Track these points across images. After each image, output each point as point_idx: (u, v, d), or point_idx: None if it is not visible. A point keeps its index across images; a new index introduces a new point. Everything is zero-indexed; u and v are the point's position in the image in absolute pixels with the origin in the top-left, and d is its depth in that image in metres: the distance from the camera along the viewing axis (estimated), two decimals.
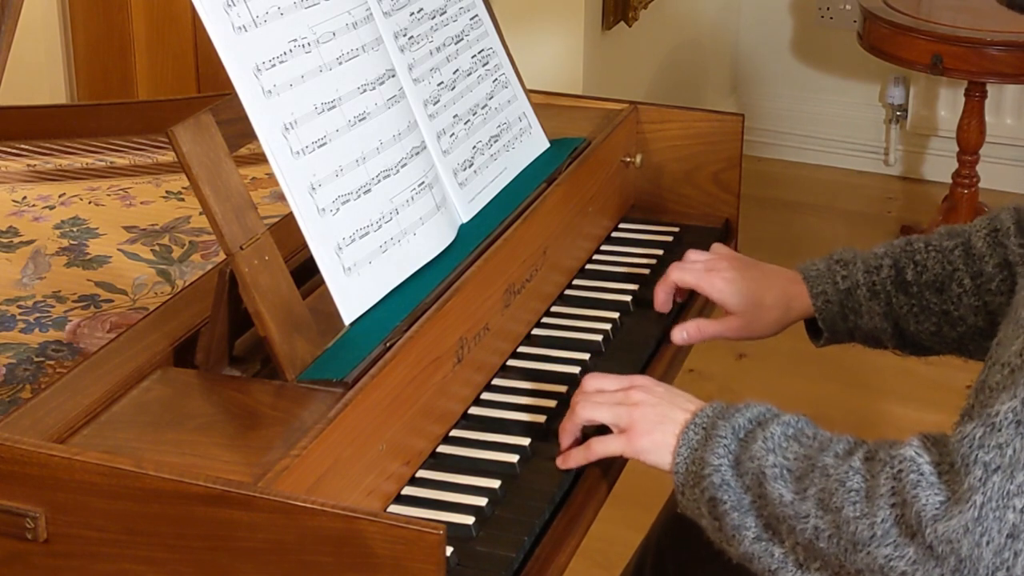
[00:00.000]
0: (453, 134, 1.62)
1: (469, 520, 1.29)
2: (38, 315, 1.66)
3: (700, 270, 1.67)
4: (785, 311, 1.65)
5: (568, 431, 1.40)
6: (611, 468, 1.43)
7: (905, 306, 1.60)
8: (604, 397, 1.40)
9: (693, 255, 1.69)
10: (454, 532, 1.25)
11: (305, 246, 1.36)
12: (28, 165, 2.07)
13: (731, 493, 1.29)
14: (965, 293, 1.57)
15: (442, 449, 1.41)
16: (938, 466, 1.19)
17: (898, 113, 4.27)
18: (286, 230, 1.39)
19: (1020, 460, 1.15)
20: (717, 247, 1.72)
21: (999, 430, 1.16)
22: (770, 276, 1.66)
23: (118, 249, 1.82)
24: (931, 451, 1.21)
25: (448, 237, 1.53)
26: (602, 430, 1.39)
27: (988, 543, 1.15)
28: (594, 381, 1.42)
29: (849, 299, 1.62)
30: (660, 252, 1.83)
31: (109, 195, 1.97)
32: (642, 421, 1.36)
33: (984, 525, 1.15)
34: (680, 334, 1.65)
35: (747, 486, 1.28)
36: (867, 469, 1.23)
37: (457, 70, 1.67)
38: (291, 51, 1.38)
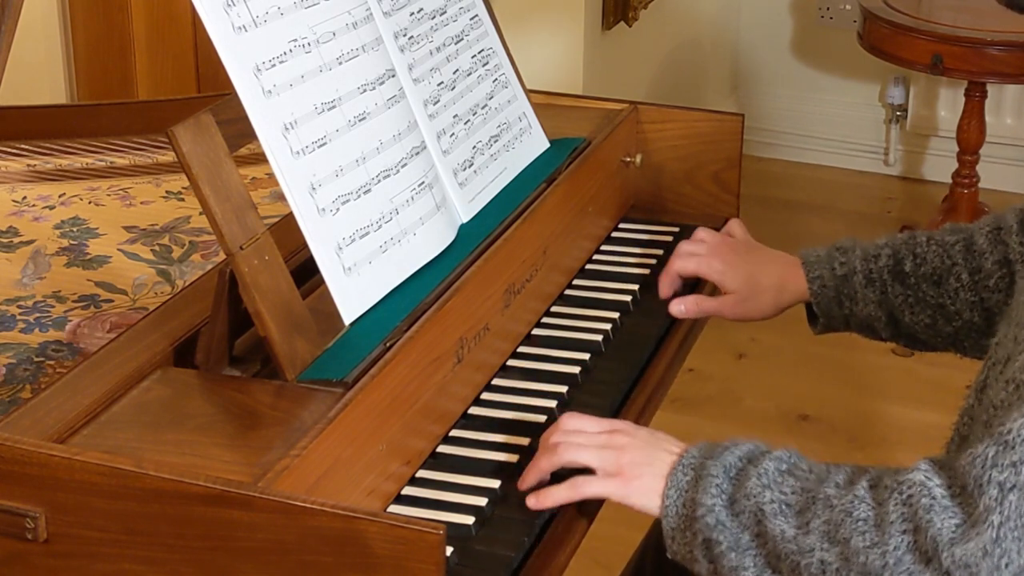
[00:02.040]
0: (453, 134, 1.62)
1: (469, 520, 1.29)
2: (38, 315, 1.66)
3: (700, 254, 1.70)
4: (779, 293, 1.66)
5: (544, 470, 1.35)
6: None
7: (900, 296, 1.61)
8: (586, 439, 1.35)
9: (701, 233, 1.73)
10: (454, 532, 1.25)
11: (305, 246, 1.36)
12: (28, 165, 2.07)
13: (727, 533, 1.25)
14: (962, 288, 1.58)
15: (442, 449, 1.41)
16: (949, 488, 1.17)
17: (898, 113, 4.27)
18: (286, 230, 1.39)
19: None
20: (732, 224, 1.75)
21: (1012, 448, 1.14)
22: (768, 259, 1.69)
23: (118, 249, 1.82)
24: (940, 474, 1.18)
25: (448, 237, 1.53)
26: (573, 472, 1.35)
27: (1007, 565, 1.13)
28: (573, 421, 1.37)
29: (845, 285, 1.63)
30: (660, 252, 1.83)
31: (109, 195, 1.97)
32: (630, 465, 1.32)
33: (1003, 546, 1.13)
34: (678, 307, 1.68)
35: (744, 525, 1.25)
36: (873, 497, 1.20)
37: (457, 70, 1.67)
38: (291, 51, 1.38)
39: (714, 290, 1.74)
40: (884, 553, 1.17)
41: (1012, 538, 1.12)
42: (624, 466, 1.32)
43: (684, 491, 1.28)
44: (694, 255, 1.70)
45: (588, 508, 1.38)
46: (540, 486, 1.34)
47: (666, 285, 1.71)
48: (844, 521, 1.20)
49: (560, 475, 1.35)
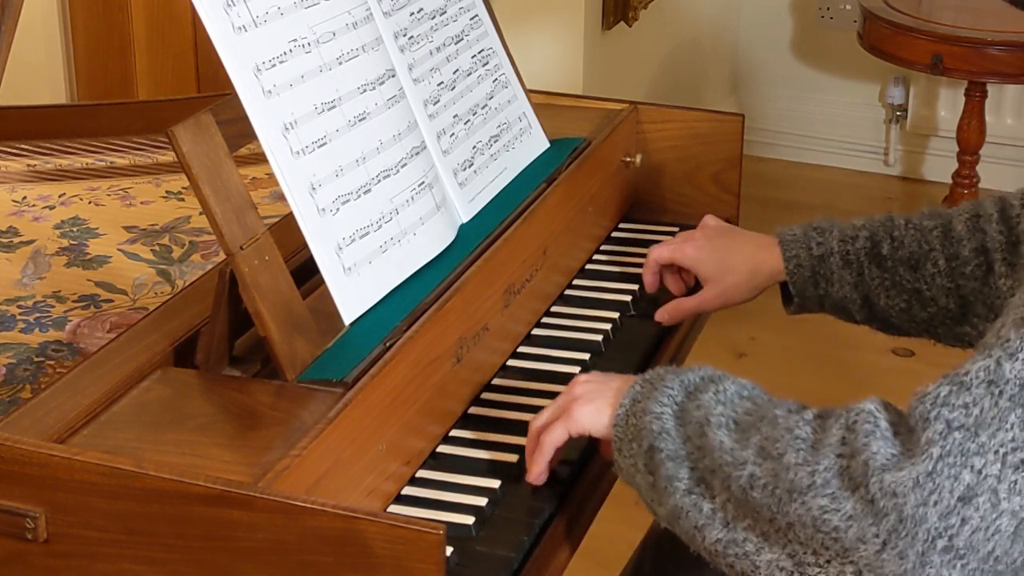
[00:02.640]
0: (453, 134, 1.62)
1: (469, 520, 1.29)
2: (38, 315, 1.66)
3: (674, 243, 1.71)
4: (753, 274, 1.66)
5: (528, 449, 1.37)
6: (610, 467, 1.43)
7: (876, 279, 1.60)
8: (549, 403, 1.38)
9: (679, 235, 1.74)
10: (454, 532, 1.25)
11: (305, 246, 1.36)
12: (28, 165, 2.07)
13: (669, 441, 1.23)
14: (939, 273, 1.57)
15: (442, 449, 1.41)
16: (895, 426, 1.14)
17: (898, 113, 4.27)
18: (286, 230, 1.39)
19: (987, 420, 1.09)
20: (706, 219, 1.75)
21: (968, 389, 1.11)
22: (741, 240, 1.69)
23: (118, 249, 1.82)
24: (891, 412, 1.16)
25: (448, 237, 1.53)
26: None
27: (936, 503, 1.08)
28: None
29: (821, 266, 1.62)
30: None
31: (109, 195, 1.97)
32: (581, 395, 1.34)
33: (936, 481, 1.08)
34: (662, 315, 1.69)
35: (687, 436, 1.23)
36: (819, 423, 1.18)
37: (457, 70, 1.67)
38: (291, 51, 1.38)
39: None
40: (813, 472, 1.14)
41: (947, 475, 1.08)
42: (576, 396, 1.34)
43: (637, 401, 1.28)
44: (668, 244, 1.71)
45: (588, 507, 1.38)
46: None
47: (649, 275, 1.71)
48: (783, 437, 1.17)
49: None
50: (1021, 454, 1.09)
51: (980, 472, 1.08)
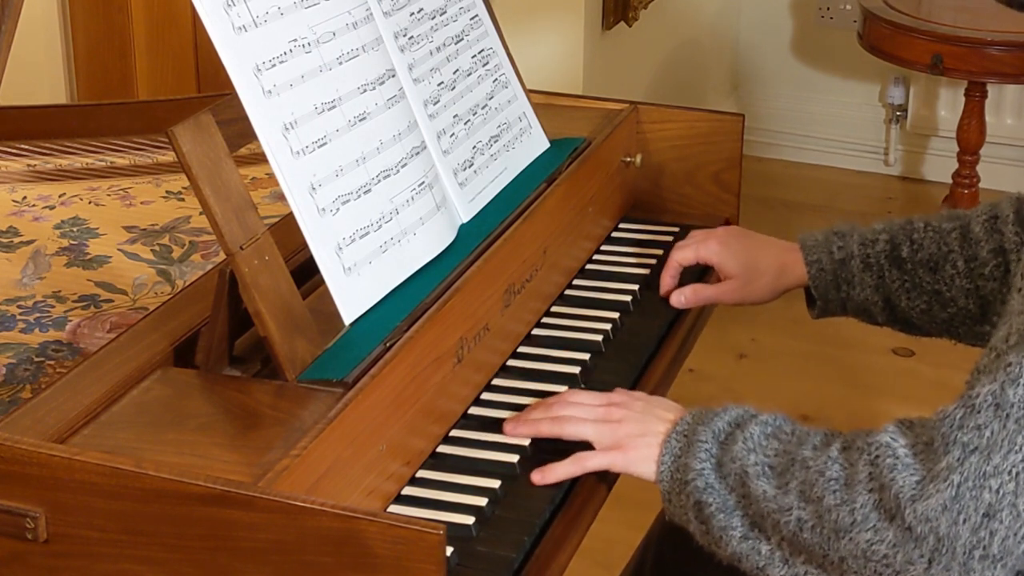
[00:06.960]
0: (453, 134, 1.62)
1: (469, 520, 1.29)
2: (38, 315, 1.66)
3: (697, 240, 1.73)
4: (778, 276, 1.69)
5: (542, 433, 1.41)
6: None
7: (897, 281, 1.63)
8: (586, 412, 1.41)
9: (694, 233, 1.76)
10: (454, 532, 1.25)
11: (305, 246, 1.36)
12: (28, 165, 2.07)
13: (715, 495, 1.30)
14: (958, 275, 1.60)
15: (442, 449, 1.41)
16: (913, 447, 1.22)
17: (898, 113, 4.27)
18: (286, 230, 1.39)
19: (997, 442, 1.17)
20: (720, 227, 1.77)
21: (978, 412, 1.18)
22: (766, 242, 1.73)
23: (118, 249, 1.82)
24: (906, 434, 1.23)
25: (448, 237, 1.53)
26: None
27: (965, 521, 1.17)
28: (575, 396, 1.44)
29: (843, 269, 1.66)
30: (660, 252, 1.83)
31: (109, 195, 1.97)
32: (626, 437, 1.38)
33: (961, 503, 1.17)
34: (678, 298, 1.71)
35: (731, 487, 1.30)
36: (845, 458, 1.25)
37: (457, 70, 1.67)
38: (291, 51, 1.38)
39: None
40: (852, 510, 1.22)
41: (970, 497, 1.17)
42: (622, 438, 1.38)
43: (677, 456, 1.34)
44: (691, 243, 1.73)
45: (588, 508, 1.38)
46: (544, 461, 1.37)
47: (668, 278, 1.73)
48: (817, 481, 1.25)
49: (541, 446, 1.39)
50: None
51: (998, 492, 1.17)
